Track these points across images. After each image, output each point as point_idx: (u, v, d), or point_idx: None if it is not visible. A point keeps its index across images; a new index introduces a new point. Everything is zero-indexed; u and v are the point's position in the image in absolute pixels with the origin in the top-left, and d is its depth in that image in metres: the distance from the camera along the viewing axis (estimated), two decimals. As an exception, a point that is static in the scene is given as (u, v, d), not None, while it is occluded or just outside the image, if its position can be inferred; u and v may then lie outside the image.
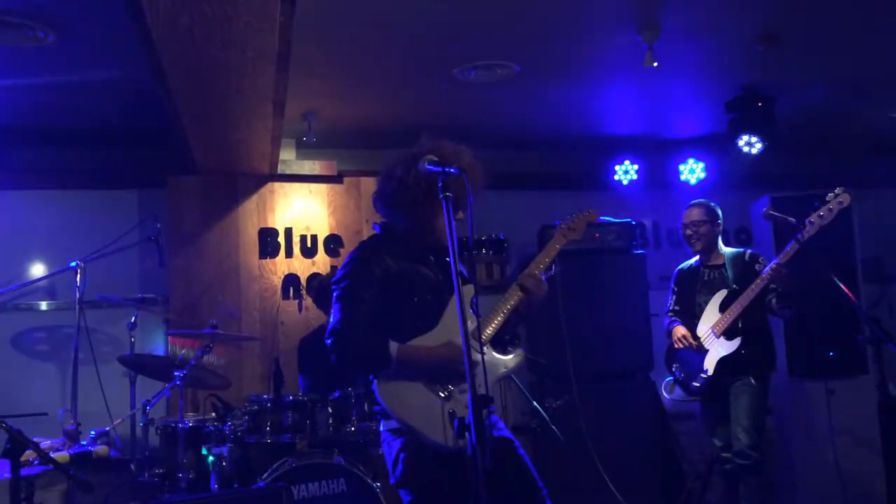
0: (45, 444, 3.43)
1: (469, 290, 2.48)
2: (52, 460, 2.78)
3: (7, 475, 2.55)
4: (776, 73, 4.69)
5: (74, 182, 5.24)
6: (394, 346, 2.38)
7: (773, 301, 3.98)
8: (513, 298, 2.56)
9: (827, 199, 3.78)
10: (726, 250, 4.25)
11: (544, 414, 4.18)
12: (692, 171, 6.04)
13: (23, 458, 2.85)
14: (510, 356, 2.60)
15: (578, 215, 2.84)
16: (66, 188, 5.23)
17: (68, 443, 3.62)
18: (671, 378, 4.21)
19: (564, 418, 4.25)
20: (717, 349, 4.00)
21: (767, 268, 3.88)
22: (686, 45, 4.22)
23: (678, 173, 6.08)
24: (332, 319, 2.46)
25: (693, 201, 4.35)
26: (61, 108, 4.84)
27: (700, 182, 6.01)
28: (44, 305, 5.11)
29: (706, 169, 6.01)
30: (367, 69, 4.41)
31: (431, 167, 2.34)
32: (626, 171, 6.00)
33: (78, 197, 5.24)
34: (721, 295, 4.08)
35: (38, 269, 5.14)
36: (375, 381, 2.43)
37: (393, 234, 2.61)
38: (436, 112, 5.07)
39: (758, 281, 3.91)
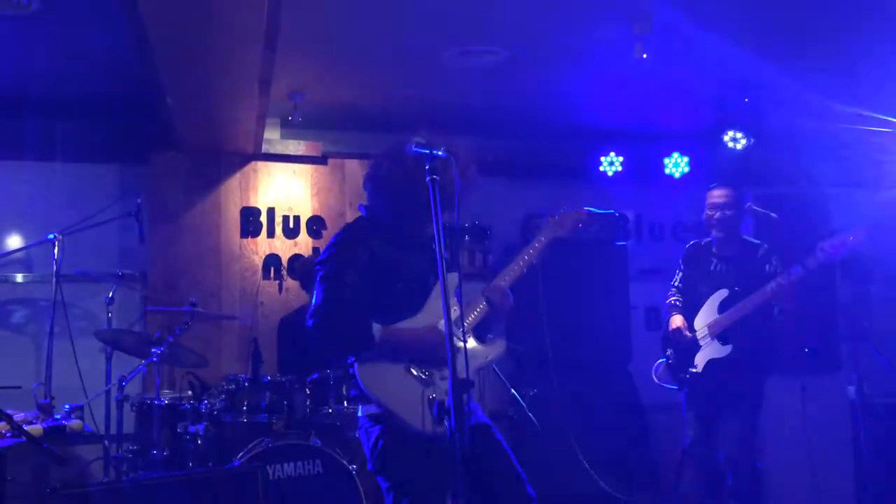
0: (18, 416, 3.39)
1: (453, 277, 2.47)
2: (25, 433, 2.75)
3: (-22, 447, 2.52)
4: (765, 69, 4.71)
5: (55, 154, 5.15)
6: (377, 328, 2.37)
7: (777, 313, 3.90)
8: (479, 305, 2.56)
9: (840, 233, 3.66)
10: (744, 240, 4.07)
11: (522, 402, 4.21)
12: (676, 164, 6.05)
13: (-6, 431, 2.82)
14: (492, 345, 2.61)
15: (568, 213, 2.86)
16: (45, 160, 5.14)
17: (42, 416, 3.57)
18: (664, 360, 4.15)
19: (541, 406, 4.29)
20: (710, 350, 3.93)
21: (774, 283, 3.75)
22: (677, 38, 4.22)
23: (663, 167, 6.09)
24: (314, 300, 2.44)
25: (720, 185, 4.06)
26: (43, 79, 4.75)
27: (684, 176, 6.03)
28: (19, 277, 5.04)
29: (690, 163, 6.03)
30: (355, 51, 4.37)
31: (419, 148, 2.32)
32: (611, 163, 6.01)
33: (58, 169, 5.16)
34: (722, 294, 3.95)
35: (14, 241, 5.06)
36: (356, 364, 2.41)
37: (379, 217, 2.58)
38: (423, 97, 5.04)
39: (762, 292, 3.78)
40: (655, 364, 4.23)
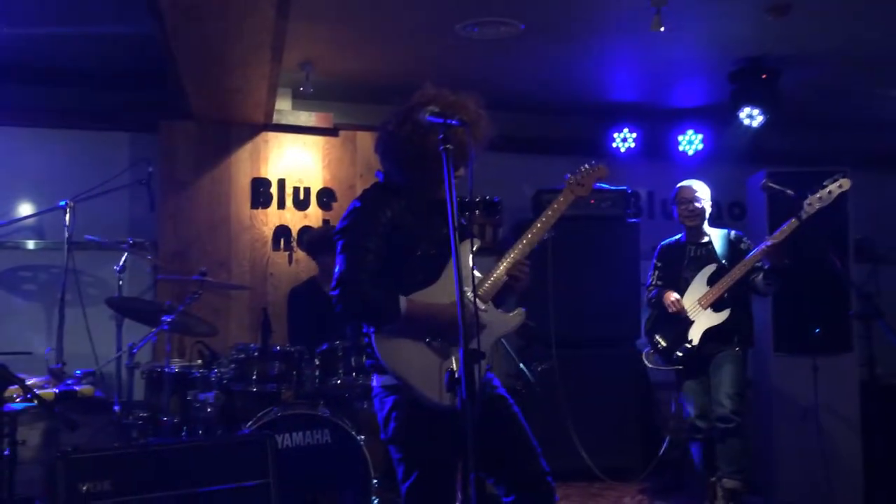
0: (30, 381, 3.41)
1: (469, 245, 2.44)
2: (38, 396, 2.77)
3: (-10, 409, 2.54)
4: (783, 45, 4.64)
5: (66, 121, 5.14)
6: (403, 301, 2.32)
7: (759, 279, 4.04)
8: (497, 275, 2.51)
9: (825, 183, 3.82)
10: (711, 230, 4.31)
11: (530, 376, 4.21)
12: (690, 142, 6.01)
13: (6, 395, 2.84)
14: (511, 314, 2.56)
15: (588, 170, 2.74)
16: (57, 127, 5.13)
17: (53, 381, 3.60)
18: (649, 349, 4.27)
19: (546, 382, 4.30)
20: (704, 320, 4.08)
21: (763, 245, 3.91)
22: (695, 11, 4.16)
23: (676, 144, 6.04)
24: (337, 269, 2.38)
25: (687, 180, 4.37)
26: (55, 46, 4.73)
27: (697, 154, 5.99)
28: (31, 244, 5.04)
29: (704, 140, 5.98)
30: (369, 20, 4.33)
31: (432, 118, 2.27)
32: (624, 139, 5.97)
33: (69, 136, 5.15)
34: (710, 269, 4.14)
35: (26, 208, 5.07)
36: (374, 335, 2.37)
37: (395, 185, 2.53)
38: (435, 68, 5.00)
39: (752, 256, 3.98)
40: (644, 352, 4.33)
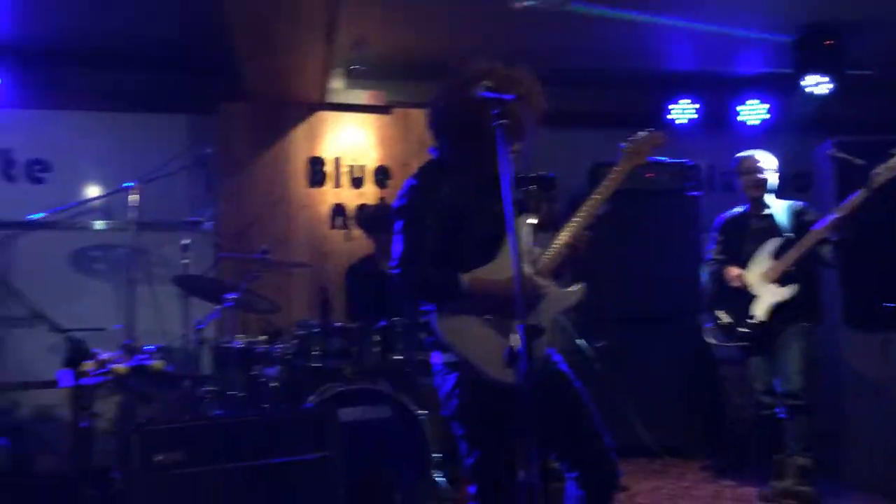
0: (105, 356, 3.55)
1: (524, 221, 2.42)
2: (113, 371, 2.88)
3: (70, 383, 2.65)
4: (849, 10, 4.46)
5: (129, 105, 5.28)
6: (463, 279, 2.32)
7: (827, 251, 3.93)
8: (556, 249, 2.47)
9: (894, 151, 3.70)
10: (775, 201, 4.21)
11: (589, 352, 4.19)
12: (753, 111, 5.85)
13: (82, 369, 2.96)
14: (571, 289, 2.52)
15: (644, 136, 2.68)
16: (120, 111, 5.27)
17: (126, 356, 3.73)
18: (710, 324, 4.20)
19: (606, 359, 4.28)
20: (769, 295, 4.00)
21: (830, 217, 3.80)
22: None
23: (737, 114, 5.89)
24: (396, 249, 2.39)
25: (752, 150, 4.28)
26: (118, 32, 4.84)
27: (761, 124, 5.83)
28: (99, 225, 5.22)
29: (768, 110, 5.81)
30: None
31: (486, 93, 2.24)
32: (682, 110, 5.84)
33: (132, 120, 5.29)
34: (775, 242, 4.05)
35: (93, 190, 5.24)
36: (433, 312, 2.37)
37: (449, 162, 2.51)
38: (488, 43, 4.88)
39: (819, 229, 3.87)
40: (704, 328, 4.25)
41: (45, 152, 5.19)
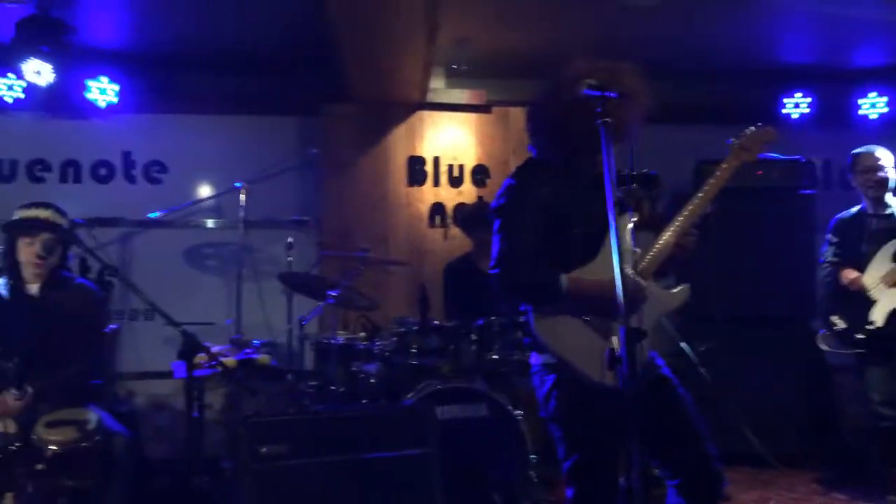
0: (215, 349, 3.70)
1: (626, 221, 2.37)
2: (223, 364, 3.00)
3: (183, 375, 2.78)
4: None
5: (238, 108, 5.49)
6: (564, 279, 2.28)
7: None
8: (659, 249, 2.40)
9: None
10: (894, 200, 4.01)
11: (692, 356, 4.05)
12: (873, 105, 5.51)
13: (195, 361, 3.10)
14: (675, 290, 2.46)
15: (753, 132, 2.57)
16: (230, 113, 5.49)
17: (234, 350, 3.88)
18: (825, 330, 4.05)
19: (711, 363, 4.12)
20: (889, 300, 3.80)
21: None
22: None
23: (857, 108, 5.56)
24: (496, 248, 2.37)
25: (870, 146, 4.08)
26: (228, 38, 5.04)
27: (881, 118, 5.49)
28: (210, 223, 5.46)
29: (889, 103, 5.46)
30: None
31: (590, 91, 2.20)
32: (796, 105, 5.57)
33: (241, 122, 5.50)
34: (894, 244, 3.85)
35: (205, 189, 5.49)
36: (531, 313, 2.34)
37: (549, 161, 2.48)
38: (590, 39, 4.86)
39: None
40: (819, 334, 4.09)
41: (161, 154, 5.47)
